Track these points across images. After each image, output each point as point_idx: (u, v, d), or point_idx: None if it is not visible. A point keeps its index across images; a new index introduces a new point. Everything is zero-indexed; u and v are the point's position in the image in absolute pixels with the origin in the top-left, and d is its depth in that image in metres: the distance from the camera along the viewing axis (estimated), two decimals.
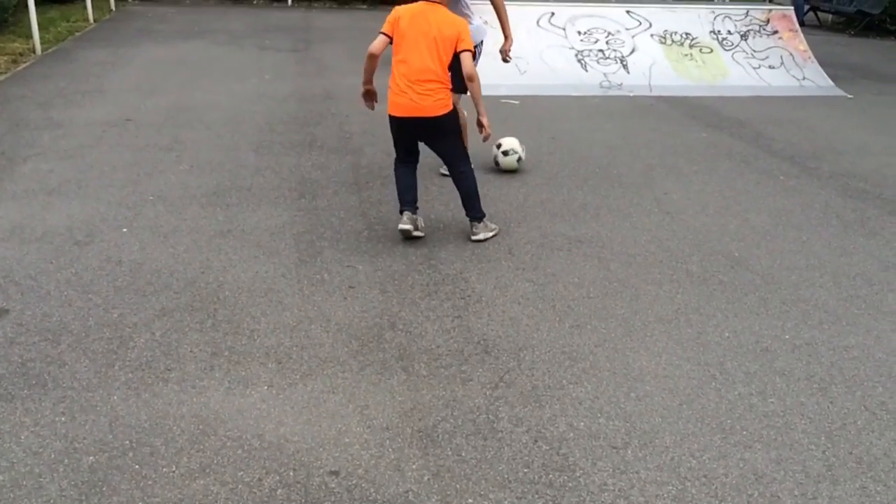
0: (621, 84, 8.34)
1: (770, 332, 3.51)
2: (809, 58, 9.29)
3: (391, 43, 4.21)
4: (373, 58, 4.23)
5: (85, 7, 11.38)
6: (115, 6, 12.75)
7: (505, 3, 5.09)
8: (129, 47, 9.55)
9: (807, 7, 14.78)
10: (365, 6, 15.11)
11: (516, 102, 7.74)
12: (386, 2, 15.42)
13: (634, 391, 3.03)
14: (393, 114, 4.26)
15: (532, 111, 7.33)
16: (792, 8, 10.19)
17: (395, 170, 4.42)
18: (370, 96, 4.43)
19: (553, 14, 8.91)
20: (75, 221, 4.36)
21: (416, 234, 4.29)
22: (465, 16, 5.04)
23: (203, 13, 13.00)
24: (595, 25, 9.01)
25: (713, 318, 3.61)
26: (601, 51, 8.79)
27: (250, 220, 4.52)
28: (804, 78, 9.01)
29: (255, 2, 14.83)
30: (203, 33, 10.92)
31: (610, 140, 6.44)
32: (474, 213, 4.39)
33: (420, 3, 4.23)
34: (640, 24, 9.15)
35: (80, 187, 4.86)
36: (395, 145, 4.41)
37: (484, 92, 7.96)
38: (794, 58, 9.25)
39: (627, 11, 9.23)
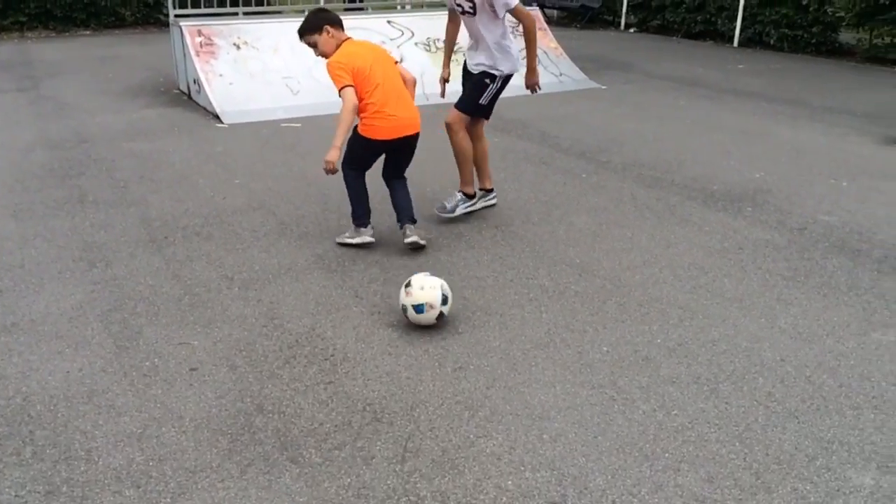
0: None
1: (642, 338, 3.50)
2: (561, 54, 9.79)
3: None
4: (356, 110, 4.13)
5: None
6: None
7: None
8: None
9: (534, 4, 15.69)
10: (89, 32, 13.70)
11: (298, 125, 7.32)
12: (112, 26, 14.10)
13: (546, 432, 2.84)
14: (386, 137, 4.23)
15: (316, 134, 6.95)
16: (537, 7, 10.69)
17: (357, 181, 4.38)
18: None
19: None
20: None
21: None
22: (506, 47, 4.66)
23: None
24: (359, 38, 8.78)
25: (586, 334, 3.53)
26: None
27: (36, 306, 3.74)
28: (561, 74, 9.47)
29: None
30: None
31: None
32: (412, 214, 4.42)
33: (349, 41, 4.27)
34: (403, 33, 9.09)
35: None
36: (364, 163, 4.39)
37: (262, 117, 7.52)
38: (547, 55, 9.69)
39: (388, 21, 9.13)
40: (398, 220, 4.42)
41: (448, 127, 4.71)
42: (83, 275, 4.08)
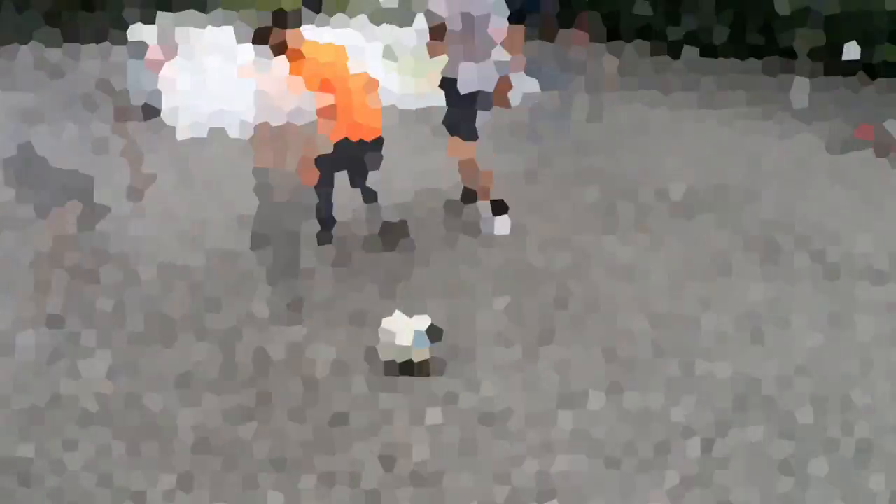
0: None
1: (613, 345, 3.53)
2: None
3: None
4: (326, 113, 4.07)
5: None
6: None
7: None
8: None
9: None
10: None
11: (261, 136, 7.25)
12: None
13: (523, 442, 2.85)
14: (355, 140, 4.30)
15: (281, 143, 6.88)
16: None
17: (324, 188, 4.40)
18: None
19: None
20: None
21: None
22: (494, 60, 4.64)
23: None
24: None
25: (556, 344, 3.54)
26: None
27: None
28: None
29: None
30: None
31: (390, 167, 6.17)
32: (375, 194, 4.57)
33: (313, 43, 4.24)
34: (366, 42, 9.11)
35: None
36: (334, 167, 4.40)
37: (221, 130, 7.42)
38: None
39: (351, 31, 9.16)
40: (371, 202, 4.55)
41: (452, 152, 4.71)
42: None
